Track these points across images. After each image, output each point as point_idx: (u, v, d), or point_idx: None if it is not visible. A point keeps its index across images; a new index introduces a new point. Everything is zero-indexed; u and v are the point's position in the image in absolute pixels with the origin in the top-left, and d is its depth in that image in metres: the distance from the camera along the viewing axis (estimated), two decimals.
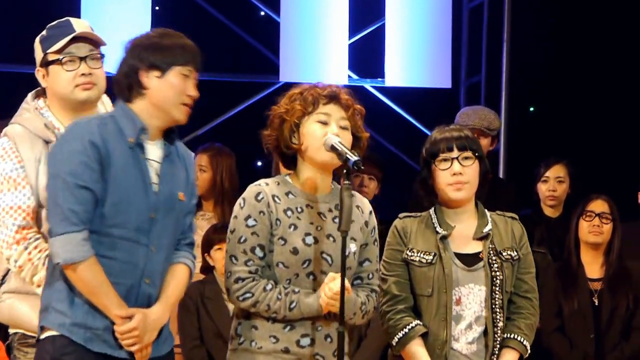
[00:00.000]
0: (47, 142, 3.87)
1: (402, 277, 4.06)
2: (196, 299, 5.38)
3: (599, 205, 5.72)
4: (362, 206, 3.93)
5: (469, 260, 4.06)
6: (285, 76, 7.64)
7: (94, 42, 3.97)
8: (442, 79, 7.71)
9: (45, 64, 3.94)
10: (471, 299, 4.03)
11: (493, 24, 7.96)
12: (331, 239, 3.76)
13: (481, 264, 4.05)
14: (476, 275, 4.04)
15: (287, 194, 3.83)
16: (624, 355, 5.59)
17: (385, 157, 7.08)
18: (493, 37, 7.95)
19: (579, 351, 5.61)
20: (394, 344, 4.05)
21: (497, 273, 4.04)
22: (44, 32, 3.97)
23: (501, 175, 7.55)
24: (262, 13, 8.12)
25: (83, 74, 3.91)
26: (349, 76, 7.76)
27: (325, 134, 3.76)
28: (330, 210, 3.82)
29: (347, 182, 3.66)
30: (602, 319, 5.62)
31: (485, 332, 4.04)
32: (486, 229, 4.09)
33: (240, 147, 6.25)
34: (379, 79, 7.84)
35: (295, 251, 3.76)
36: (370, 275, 3.92)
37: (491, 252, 4.06)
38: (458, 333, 4.02)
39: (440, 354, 4.01)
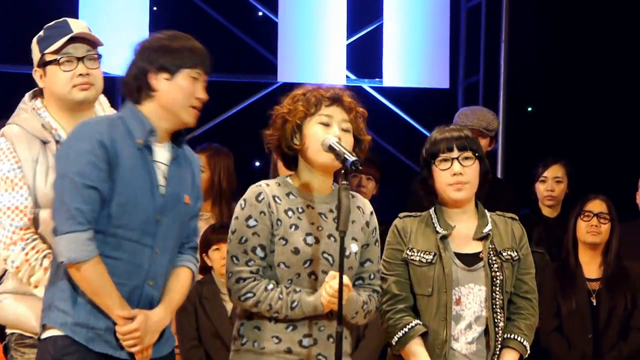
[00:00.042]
0: (44, 143, 3.87)
1: (402, 277, 4.06)
2: (194, 299, 5.38)
3: (597, 205, 5.73)
4: (363, 207, 3.95)
5: (469, 260, 4.06)
6: (283, 76, 7.64)
7: (92, 43, 3.96)
8: (440, 79, 7.71)
9: (43, 64, 3.93)
10: (471, 299, 4.04)
11: (491, 24, 7.97)
12: (332, 239, 3.76)
13: (481, 264, 4.05)
14: (476, 275, 4.04)
15: (287, 194, 3.84)
16: (622, 355, 5.60)
17: (384, 157, 7.07)
18: (491, 37, 7.96)
19: (577, 351, 5.62)
20: (394, 343, 4.05)
21: (497, 273, 4.04)
22: (41, 33, 3.97)
23: (499, 176, 7.55)
24: (260, 13, 8.12)
25: (80, 75, 3.91)
26: (347, 76, 7.76)
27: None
28: (331, 211, 3.82)
29: (345, 182, 3.67)
30: (600, 319, 5.62)
31: (485, 332, 4.04)
32: (486, 229, 4.10)
33: (238, 147, 6.25)
34: (377, 79, 7.84)
35: (296, 251, 3.77)
36: (372, 276, 3.93)
37: (491, 252, 4.06)
38: (458, 333, 4.03)
39: (440, 353, 4.01)
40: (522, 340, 4.07)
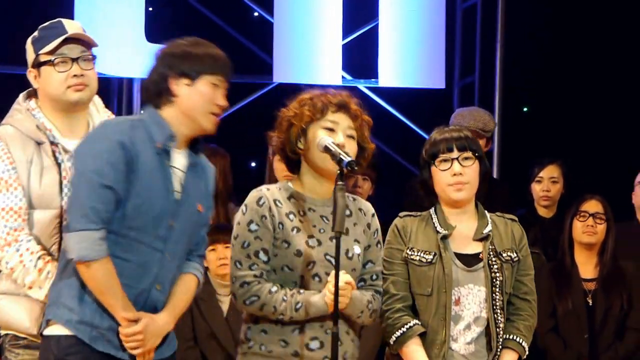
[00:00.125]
0: (38, 144, 3.86)
1: (401, 276, 4.06)
2: None
3: (592, 206, 5.73)
4: (365, 209, 3.98)
5: (469, 260, 4.06)
6: (279, 77, 7.63)
7: (86, 44, 3.96)
8: (435, 80, 7.70)
9: (37, 64, 3.93)
10: (470, 299, 4.04)
11: (487, 24, 7.97)
12: (334, 241, 3.75)
13: (481, 264, 4.05)
14: (476, 275, 4.05)
15: (288, 198, 3.87)
16: (618, 355, 5.60)
17: (379, 157, 7.07)
18: (487, 38, 7.95)
19: (573, 351, 5.62)
20: (392, 342, 4.06)
21: (497, 274, 4.05)
22: (35, 33, 3.96)
23: (495, 176, 7.55)
24: (256, 14, 8.11)
25: (75, 75, 3.90)
26: (343, 77, 7.75)
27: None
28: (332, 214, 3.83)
29: (340, 182, 3.68)
30: (596, 319, 5.62)
31: (484, 333, 4.04)
32: (486, 230, 4.10)
33: (234, 147, 6.24)
34: (373, 80, 7.83)
35: (299, 253, 3.79)
36: (374, 277, 3.95)
37: (491, 253, 4.07)
38: (457, 333, 4.03)
39: (439, 354, 4.01)
40: (520, 341, 4.07)
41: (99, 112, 4.02)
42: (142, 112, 3.69)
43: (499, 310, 4.05)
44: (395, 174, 7.46)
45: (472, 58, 8.12)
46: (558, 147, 7.59)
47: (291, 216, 3.83)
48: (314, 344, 3.80)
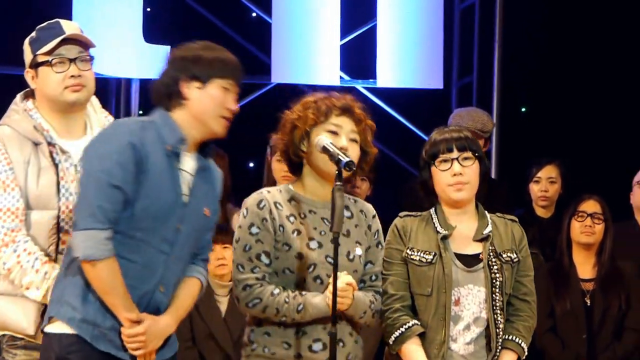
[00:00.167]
0: (36, 144, 3.86)
1: (401, 276, 4.06)
2: None
3: (590, 206, 5.73)
4: (366, 211, 4.00)
5: (469, 261, 4.06)
6: (277, 77, 7.63)
7: (84, 44, 3.96)
8: (433, 80, 7.70)
9: (35, 65, 3.93)
10: (470, 299, 4.04)
11: (485, 24, 7.96)
12: (338, 244, 3.76)
13: (481, 265, 4.05)
14: (476, 276, 4.05)
15: (289, 200, 3.88)
16: (616, 356, 5.60)
17: (377, 158, 7.06)
18: (485, 38, 7.95)
19: (571, 352, 5.62)
20: (391, 342, 4.05)
21: (497, 275, 4.05)
22: (33, 34, 3.96)
23: (493, 176, 7.55)
24: (254, 14, 8.11)
25: (72, 76, 3.90)
26: (341, 77, 7.75)
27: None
28: None
29: (338, 183, 3.69)
30: (594, 320, 5.62)
31: (484, 334, 4.05)
32: (486, 231, 4.10)
33: (232, 148, 6.24)
34: (371, 80, 7.83)
35: (300, 256, 3.81)
36: (373, 277, 3.98)
37: (491, 253, 4.07)
38: (456, 333, 4.03)
39: (438, 354, 4.01)
40: (520, 342, 4.07)
41: (96, 113, 4.02)
42: (152, 113, 3.68)
43: (498, 311, 4.05)
44: (393, 175, 7.46)
45: (470, 58, 8.12)
46: (556, 147, 7.59)
47: (292, 219, 3.85)
48: (317, 346, 3.82)
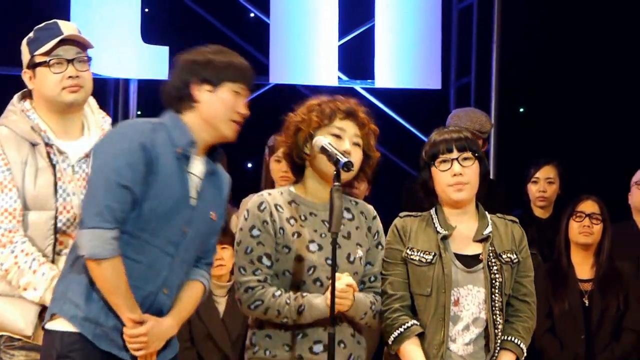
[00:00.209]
0: (33, 145, 3.86)
1: (400, 276, 4.06)
2: None
3: (589, 206, 5.73)
4: (366, 212, 4.01)
5: (469, 261, 4.06)
6: (275, 78, 7.63)
7: (82, 45, 3.95)
8: (432, 80, 7.70)
9: (33, 65, 3.93)
10: (469, 300, 4.04)
11: (482, 25, 7.96)
12: (336, 245, 3.76)
13: (480, 265, 4.05)
14: (475, 276, 4.05)
15: (290, 202, 3.90)
16: (615, 356, 5.60)
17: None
18: (483, 38, 7.95)
19: (569, 352, 5.62)
20: (390, 342, 4.06)
21: (497, 275, 4.05)
22: (31, 34, 3.96)
23: (491, 176, 7.55)
24: (252, 14, 8.11)
25: (70, 77, 3.90)
26: (339, 77, 7.75)
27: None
28: None
29: (336, 183, 3.69)
30: (593, 320, 5.62)
31: (483, 334, 4.04)
32: (486, 231, 4.10)
33: (230, 148, 6.23)
34: (369, 81, 7.83)
35: (299, 259, 3.82)
36: (372, 278, 3.99)
37: (491, 254, 4.06)
38: (455, 334, 4.03)
39: (437, 354, 4.01)
40: (519, 343, 4.07)
41: (93, 114, 4.02)
42: (163, 115, 3.68)
43: (497, 312, 4.04)
44: (391, 175, 7.45)
45: (468, 59, 8.12)
46: (554, 148, 7.59)
47: (292, 221, 3.86)
48: (317, 348, 3.83)
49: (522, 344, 4.07)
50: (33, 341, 3.82)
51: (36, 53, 3.91)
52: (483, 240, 4.09)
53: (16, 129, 3.87)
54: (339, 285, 3.72)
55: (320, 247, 3.85)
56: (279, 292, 3.81)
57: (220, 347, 5.41)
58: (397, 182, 6.21)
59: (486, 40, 7.89)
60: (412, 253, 4.07)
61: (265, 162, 5.72)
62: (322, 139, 3.83)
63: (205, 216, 3.67)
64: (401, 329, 4.02)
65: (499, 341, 4.05)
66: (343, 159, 3.72)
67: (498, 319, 4.04)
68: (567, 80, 8.37)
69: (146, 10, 7.58)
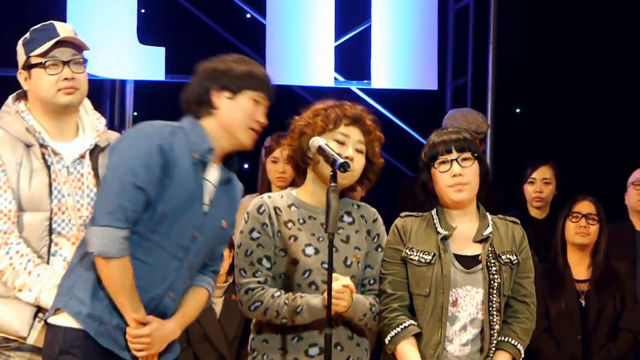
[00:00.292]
0: (28, 146, 3.86)
1: (399, 276, 4.06)
2: None
3: (585, 207, 5.73)
4: (367, 215, 4.02)
5: (468, 262, 4.06)
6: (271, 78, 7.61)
7: (78, 47, 3.95)
8: (428, 81, 7.70)
9: (28, 66, 3.92)
10: (468, 301, 4.04)
11: (479, 25, 7.96)
12: (333, 249, 3.77)
13: (479, 266, 4.05)
14: (474, 277, 4.05)
15: (289, 206, 3.92)
16: (611, 356, 5.60)
17: None
18: (479, 39, 7.95)
19: (566, 352, 5.62)
20: (387, 342, 4.06)
21: (495, 276, 4.04)
22: (27, 35, 3.96)
23: None
24: (248, 15, 8.10)
25: (66, 79, 3.90)
26: (335, 78, 7.74)
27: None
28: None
29: (333, 184, 3.70)
30: (589, 320, 5.62)
31: (480, 335, 4.05)
32: (486, 232, 4.10)
33: None
34: (365, 81, 7.82)
35: (294, 262, 3.84)
36: (372, 281, 4.01)
37: (490, 255, 4.06)
38: (452, 334, 4.03)
39: (433, 354, 4.01)
40: (516, 344, 4.07)
41: (88, 115, 4.02)
42: (182, 120, 3.68)
43: (495, 312, 4.04)
44: (387, 176, 7.45)
45: (464, 59, 8.11)
46: (550, 149, 7.59)
47: (289, 224, 3.88)
48: (313, 351, 3.85)
49: (519, 344, 4.07)
50: (29, 342, 3.82)
51: (32, 54, 3.91)
52: (483, 240, 4.09)
53: (11, 130, 3.87)
54: (336, 285, 3.73)
55: (316, 251, 3.86)
56: (278, 293, 3.83)
57: (216, 347, 5.41)
58: (393, 182, 6.21)
59: (482, 41, 7.89)
60: (412, 253, 4.07)
61: (261, 163, 5.73)
62: (319, 140, 3.84)
63: (216, 223, 3.69)
64: (398, 329, 4.02)
65: (494, 342, 4.05)
66: (339, 160, 3.73)
67: (495, 319, 4.04)
68: (563, 81, 8.38)
69: (142, 11, 7.57)
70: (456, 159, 4.08)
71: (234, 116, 3.63)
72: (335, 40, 7.71)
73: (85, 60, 3.96)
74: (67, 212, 3.85)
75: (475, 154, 4.11)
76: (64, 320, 3.58)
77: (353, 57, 7.89)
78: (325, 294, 3.74)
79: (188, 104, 3.67)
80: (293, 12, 7.59)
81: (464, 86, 8.13)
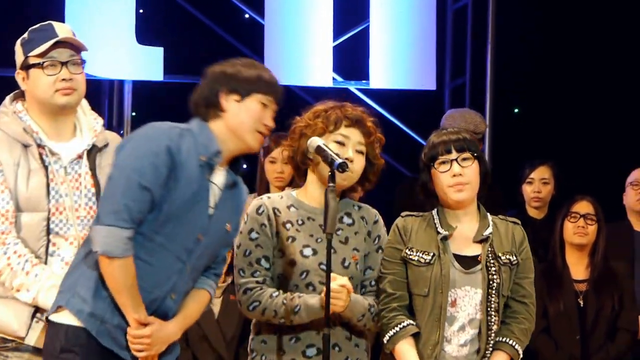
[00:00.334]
0: (25, 146, 3.85)
1: (399, 276, 4.06)
2: None
3: (583, 207, 5.73)
4: (367, 217, 4.03)
5: (467, 262, 4.06)
6: None
7: (76, 48, 3.95)
8: (426, 81, 7.70)
9: (26, 67, 3.92)
10: (466, 301, 4.04)
11: (477, 25, 7.96)
12: (332, 250, 3.78)
13: (479, 267, 4.05)
14: (473, 278, 4.05)
15: (289, 207, 3.92)
16: (609, 356, 5.61)
17: None
18: (477, 39, 7.95)
19: (564, 352, 5.62)
20: (385, 341, 4.06)
21: (494, 276, 4.04)
22: (25, 35, 3.96)
23: None
24: (247, 16, 8.10)
25: (64, 79, 3.89)
26: (334, 78, 7.75)
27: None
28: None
29: (331, 184, 3.70)
30: (588, 320, 5.63)
31: (478, 335, 4.04)
32: (486, 232, 4.10)
33: None
34: (364, 81, 7.82)
35: (292, 263, 3.85)
36: (372, 283, 4.02)
37: (490, 255, 4.06)
38: (450, 334, 4.03)
39: (431, 354, 4.01)
40: (514, 344, 4.06)
41: (85, 115, 4.02)
42: (190, 122, 3.69)
43: (493, 313, 4.04)
44: (385, 175, 7.45)
45: (462, 59, 8.11)
46: (549, 149, 7.59)
47: (288, 225, 3.89)
48: (310, 351, 3.86)
49: (516, 345, 4.07)
50: (26, 342, 3.82)
51: (30, 54, 3.91)
52: (483, 241, 4.09)
53: (8, 131, 3.87)
54: (333, 285, 3.73)
55: (314, 252, 3.87)
56: (276, 293, 3.83)
57: (215, 347, 5.40)
58: (391, 182, 6.21)
59: (481, 41, 7.89)
60: (411, 253, 4.07)
61: (260, 163, 5.73)
62: (317, 140, 3.84)
63: (220, 226, 3.69)
64: (397, 329, 4.02)
65: (491, 342, 4.05)
66: (338, 160, 3.73)
67: (492, 319, 4.04)
68: (562, 81, 8.38)
69: (141, 11, 7.57)
70: (456, 159, 4.08)
71: (242, 119, 3.63)
72: (334, 41, 7.71)
73: (83, 61, 3.96)
74: (65, 213, 3.85)
75: (475, 154, 4.12)
76: (65, 318, 3.58)
77: (351, 57, 7.89)
78: (323, 294, 3.75)
79: (196, 107, 3.68)
80: (291, 12, 7.59)
81: (463, 86, 8.13)
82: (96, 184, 3.91)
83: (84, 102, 4.03)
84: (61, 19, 6.85)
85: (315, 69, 7.60)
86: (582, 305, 5.65)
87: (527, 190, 6.36)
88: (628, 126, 8.11)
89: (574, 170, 7.21)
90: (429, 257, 4.05)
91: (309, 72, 7.59)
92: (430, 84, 7.73)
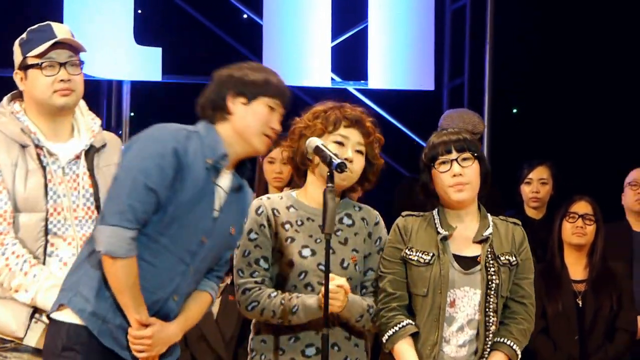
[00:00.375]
0: (23, 147, 3.85)
1: (399, 275, 4.06)
2: None
3: (582, 207, 5.73)
4: (368, 218, 4.03)
5: (467, 263, 4.06)
6: None
7: (74, 48, 3.95)
8: (425, 81, 7.71)
9: (25, 67, 3.92)
10: (465, 302, 4.04)
11: (476, 25, 7.97)
12: (331, 251, 3.78)
13: (478, 267, 4.05)
14: (472, 278, 4.05)
15: (288, 207, 3.93)
16: (608, 356, 5.61)
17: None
18: (476, 39, 7.96)
19: (563, 353, 5.62)
20: (384, 341, 4.06)
21: (494, 277, 4.04)
22: (24, 35, 3.95)
23: None
24: (245, 16, 8.10)
25: (62, 80, 3.89)
26: (332, 78, 7.75)
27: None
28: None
29: (330, 184, 3.70)
30: (586, 321, 5.62)
31: (477, 336, 4.04)
32: (486, 233, 4.10)
33: None
34: (362, 81, 7.83)
35: (290, 264, 3.86)
36: (373, 284, 4.02)
37: (489, 255, 4.06)
38: (449, 335, 4.03)
39: (430, 355, 4.02)
40: (512, 345, 4.06)
41: (83, 115, 4.01)
42: (197, 124, 3.69)
43: (491, 313, 4.04)
44: (384, 176, 7.45)
45: (461, 60, 8.12)
46: (547, 149, 7.60)
47: (287, 226, 3.90)
48: (310, 351, 3.87)
49: (515, 345, 4.07)
50: (25, 343, 3.82)
51: (28, 55, 3.90)
52: (483, 241, 4.09)
53: (6, 131, 3.86)
54: (330, 285, 3.73)
55: (313, 253, 3.87)
56: (274, 293, 3.84)
57: (213, 348, 5.41)
58: (389, 182, 6.21)
59: (479, 42, 7.89)
60: (411, 253, 4.07)
61: (258, 163, 5.73)
62: (316, 140, 3.84)
63: (225, 229, 3.69)
64: (396, 328, 4.03)
65: (489, 343, 4.05)
66: (336, 160, 3.73)
67: (490, 320, 4.04)
68: (560, 82, 8.38)
69: (139, 11, 7.57)
70: (456, 159, 4.08)
71: (249, 122, 3.63)
72: (332, 41, 7.72)
73: (81, 62, 3.95)
74: (63, 213, 3.85)
75: (476, 154, 4.12)
76: (67, 316, 3.59)
77: (350, 57, 7.89)
78: (321, 295, 3.75)
79: (203, 109, 3.68)
80: (290, 13, 7.59)
81: (461, 86, 8.14)
82: (94, 184, 3.91)
83: (82, 103, 4.03)
84: (60, 19, 6.85)
85: (314, 69, 7.61)
86: (580, 306, 5.65)
87: (526, 190, 6.36)
88: (626, 126, 8.12)
89: (573, 170, 7.21)
90: (429, 257, 4.05)
91: (308, 72, 7.59)
92: (428, 84, 7.74)
